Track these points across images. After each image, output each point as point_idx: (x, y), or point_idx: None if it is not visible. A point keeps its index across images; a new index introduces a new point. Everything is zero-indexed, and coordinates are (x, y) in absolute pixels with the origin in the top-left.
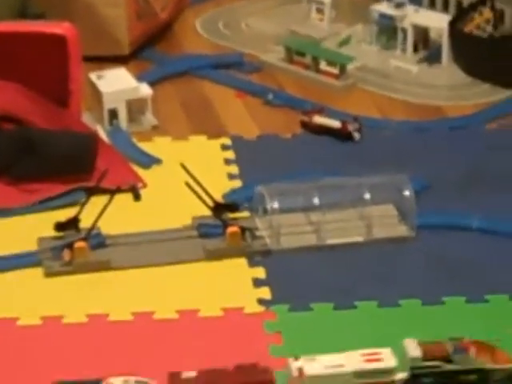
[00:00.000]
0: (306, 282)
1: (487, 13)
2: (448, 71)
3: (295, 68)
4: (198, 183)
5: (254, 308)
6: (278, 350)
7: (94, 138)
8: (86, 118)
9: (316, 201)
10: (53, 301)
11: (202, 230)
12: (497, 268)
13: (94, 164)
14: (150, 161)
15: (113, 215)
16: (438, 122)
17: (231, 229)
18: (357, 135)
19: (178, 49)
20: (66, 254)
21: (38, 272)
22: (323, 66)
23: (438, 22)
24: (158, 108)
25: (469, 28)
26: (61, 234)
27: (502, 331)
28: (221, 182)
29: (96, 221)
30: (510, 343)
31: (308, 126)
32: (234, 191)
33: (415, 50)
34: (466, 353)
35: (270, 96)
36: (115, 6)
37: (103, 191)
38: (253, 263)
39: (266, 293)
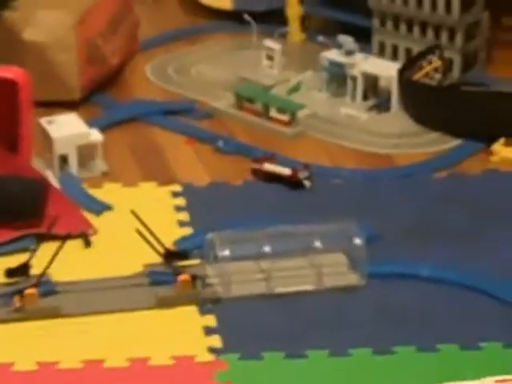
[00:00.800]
0: (257, 331)
1: (436, 61)
2: (397, 119)
3: (245, 115)
4: (149, 230)
5: (204, 356)
6: None
7: (44, 183)
8: (37, 164)
9: (267, 248)
10: (2, 348)
11: (153, 277)
12: (447, 316)
13: (44, 210)
14: (100, 207)
15: (63, 262)
16: (387, 171)
17: (182, 276)
18: (307, 183)
19: (129, 94)
20: (16, 301)
21: None
22: (273, 113)
23: (387, 70)
24: (109, 154)
25: (418, 76)
26: (11, 280)
27: (454, 380)
28: (171, 229)
29: (46, 267)
30: None
31: (258, 174)
32: (184, 238)
33: (365, 97)
34: None
35: (221, 143)
36: (65, 51)
37: (54, 237)
38: (203, 311)
39: (216, 341)
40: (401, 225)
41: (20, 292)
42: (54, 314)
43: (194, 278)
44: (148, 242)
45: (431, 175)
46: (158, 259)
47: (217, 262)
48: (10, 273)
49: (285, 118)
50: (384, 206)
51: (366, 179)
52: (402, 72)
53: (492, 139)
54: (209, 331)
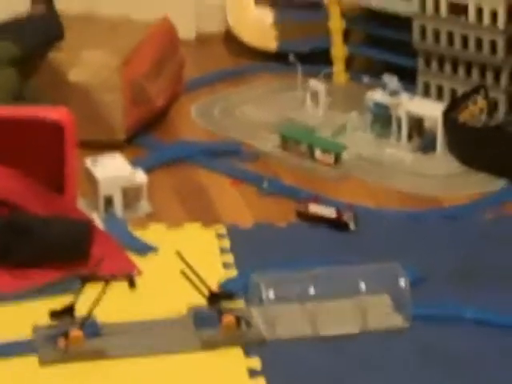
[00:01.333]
0: (302, 372)
1: (481, 102)
2: (443, 160)
3: (290, 156)
4: (194, 272)
5: None
6: None
7: (89, 224)
8: (82, 205)
9: (311, 290)
10: None
11: (197, 319)
12: (491, 361)
13: (89, 251)
14: (145, 248)
15: (108, 303)
16: (432, 212)
17: (226, 318)
18: (352, 224)
19: (174, 135)
20: (61, 343)
21: (32, 360)
22: (318, 154)
23: (432, 110)
24: (153, 195)
25: (463, 117)
26: (56, 321)
27: None
28: (216, 270)
29: (91, 309)
30: None
31: (303, 215)
32: (229, 280)
33: (409, 138)
34: None
35: (265, 184)
36: (110, 92)
37: (98, 279)
38: (248, 353)
39: (261, 383)
40: (446, 266)
41: (65, 334)
42: (98, 356)
43: (238, 319)
44: (193, 283)
45: (477, 216)
46: (202, 301)
47: (261, 303)
48: (55, 315)
49: (329, 159)
50: (429, 247)
51: (411, 220)
52: (447, 113)
53: None
54: (253, 373)
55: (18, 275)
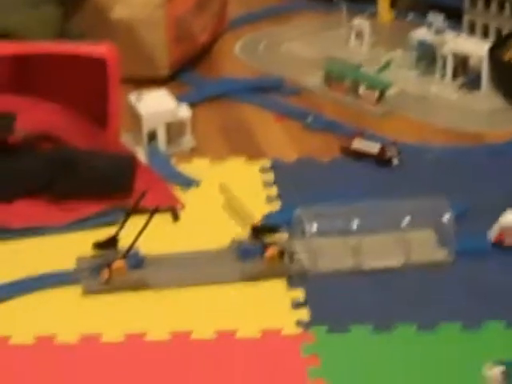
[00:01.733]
0: (345, 305)
1: None
2: (487, 98)
3: (334, 92)
4: (239, 203)
5: (292, 330)
6: (316, 372)
7: (132, 159)
8: (125, 140)
9: (354, 224)
10: (91, 319)
11: (241, 251)
12: None
13: (132, 185)
14: (188, 182)
15: (151, 236)
16: (477, 148)
17: (270, 251)
18: (395, 160)
19: (217, 72)
20: (105, 273)
21: (76, 290)
22: (362, 90)
23: (477, 49)
24: (197, 130)
25: (508, 55)
26: (100, 253)
27: None
28: (259, 204)
29: (134, 241)
30: None
31: (347, 151)
32: (272, 213)
33: (454, 76)
34: None
35: (310, 120)
36: (154, 29)
37: (142, 212)
38: (291, 285)
39: (304, 314)
40: (490, 202)
41: (108, 265)
42: (141, 286)
43: (281, 252)
44: (237, 215)
45: None
46: (246, 234)
47: (305, 237)
48: (99, 246)
49: (374, 95)
50: (474, 183)
51: (456, 157)
52: (492, 51)
53: None
54: (296, 305)
55: (62, 208)
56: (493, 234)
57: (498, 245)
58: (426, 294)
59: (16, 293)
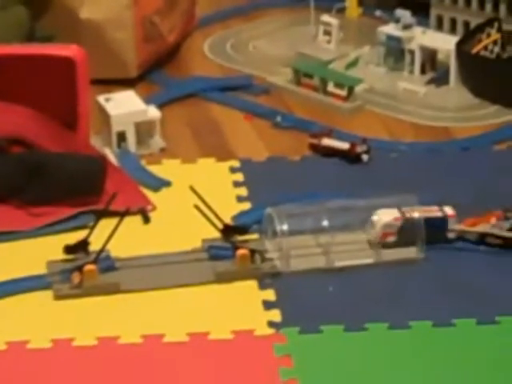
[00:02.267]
0: (316, 304)
1: (494, 34)
2: (456, 93)
3: (303, 90)
4: (207, 206)
5: (264, 330)
6: (288, 372)
7: (102, 160)
8: (95, 141)
9: (325, 223)
10: (63, 323)
11: (212, 252)
12: (506, 289)
13: (103, 187)
14: (159, 183)
15: (122, 238)
16: (446, 144)
17: (241, 251)
18: (365, 157)
19: (186, 71)
20: (76, 277)
21: (47, 295)
22: (331, 87)
23: (445, 43)
24: (167, 130)
25: (476, 49)
26: (70, 256)
27: None
28: (230, 204)
29: (105, 244)
30: None
31: (316, 148)
32: (243, 213)
33: (423, 71)
34: None
35: (279, 118)
36: (123, 29)
37: (112, 214)
38: (263, 285)
39: (275, 315)
40: (459, 198)
41: (79, 268)
42: (113, 289)
43: (252, 252)
44: (206, 217)
45: (490, 148)
46: (216, 234)
47: (275, 236)
48: (69, 249)
49: (342, 92)
50: (442, 179)
51: (424, 152)
52: (460, 45)
53: None
54: (268, 305)
55: (32, 212)
56: (375, 235)
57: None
58: (397, 292)
59: None
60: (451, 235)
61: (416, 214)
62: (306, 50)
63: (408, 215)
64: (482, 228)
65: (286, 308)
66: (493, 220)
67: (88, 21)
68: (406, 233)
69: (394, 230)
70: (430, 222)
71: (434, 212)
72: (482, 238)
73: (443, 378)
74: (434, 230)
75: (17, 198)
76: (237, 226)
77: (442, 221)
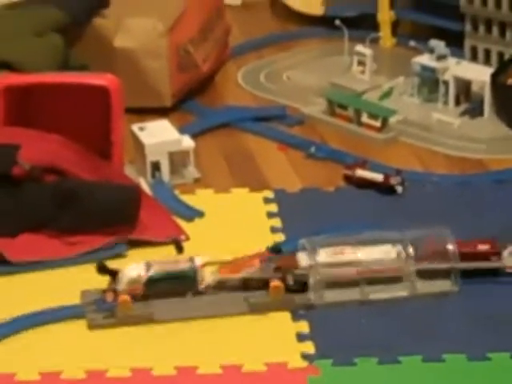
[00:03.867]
0: (350, 337)
1: None
2: (490, 124)
3: (337, 121)
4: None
5: (297, 363)
6: None
7: (136, 190)
8: (129, 170)
9: (359, 255)
10: (96, 354)
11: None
12: None
13: (137, 216)
14: (192, 213)
15: None
16: (479, 176)
17: (274, 283)
18: (399, 188)
19: (220, 101)
20: (109, 296)
21: (81, 324)
22: (365, 118)
23: (479, 74)
24: (200, 160)
25: (511, 80)
26: (102, 275)
27: None
28: (264, 235)
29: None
30: None
31: (351, 180)
32: (277, 244)
33: (457, 102)
34: None
35: (313, 149)
36: (157, 58)
37: (146, 244)
38: (296, 317)
39: (309, 347)
40: (493, 230)
41: (114, 290)
42: (147, 319)
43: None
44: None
45: None
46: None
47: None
48: (102, 269)
49: (376, 123)
50: (476, 211)
51: (458, 184)
52: (494, 76)
53: None
54: (301, 337)
55: (66, 241)
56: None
57: None
58: (432, 325)
59: (20, 328)
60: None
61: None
62: (339, 81)
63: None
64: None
65: (320, 340)
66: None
67: (122, 49)
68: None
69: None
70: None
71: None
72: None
73: None
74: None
75: (51, 227)
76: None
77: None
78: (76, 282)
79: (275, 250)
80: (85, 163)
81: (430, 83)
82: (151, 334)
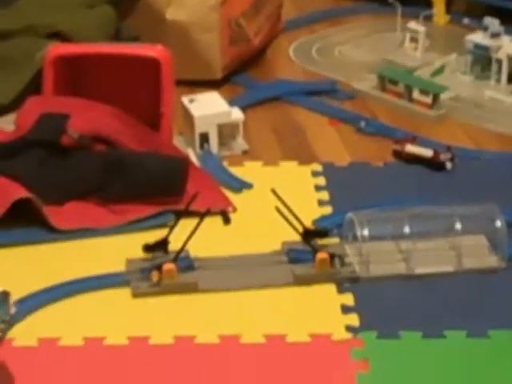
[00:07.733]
0: (395, 310)
1: None
2: None
3: (388, 96)
4: (288, 208)
5: (341, 335)
6: (365, 377)
7: (184, 161)
8: (178, 142)
9: (406, 229)
10: (140, 321)
11: (291, 255)
12: None
13: (184, 187)
14: (240, 185)
15: (202, 238)
16: None
17: (320, 255)
18: (449, 165)
19: (271, 74)
20: (155, 275)
21: (125, 292)
22: (416, 95)
23: None
24: (249, 133)
25: None
26: (149, 255)
27: None
28: (311, 208)
29: (185, 243)
30: None
31: (400, 155)
32: (324, 217)
33: (510, 80)
34: None
35: (363, 124)
36: (209, 32)
37: (193, 214)
38: (341, 290)
39: (354, 319)
40: None
41: (158, 267)
42: (191, 289)
43: (332, 256)
44: (287, 220)
45: None
46: (296, 237)
47: (356, 241)
48: (149, 248)
49: (427, 100)
50: None
51: (509, 162)
52: None
53: None
54: (346, 310)
55: (113, 210)
56: None
57: None
58: (477, 301)
59: (65, 294)
60: None
61: None
62: (391, 57)
63: None
64: None
65: (364, 313)
66: None
67: (174, 22)
68: None
69: None
70: None
71: None
72: None
73: None
74: None
75: (98, 196)
76: (317, 230)
77: None
78: (121, 250)
79: (321, 233)
80: (134, 134)
81: (482, 61)
82: (195, 303)
